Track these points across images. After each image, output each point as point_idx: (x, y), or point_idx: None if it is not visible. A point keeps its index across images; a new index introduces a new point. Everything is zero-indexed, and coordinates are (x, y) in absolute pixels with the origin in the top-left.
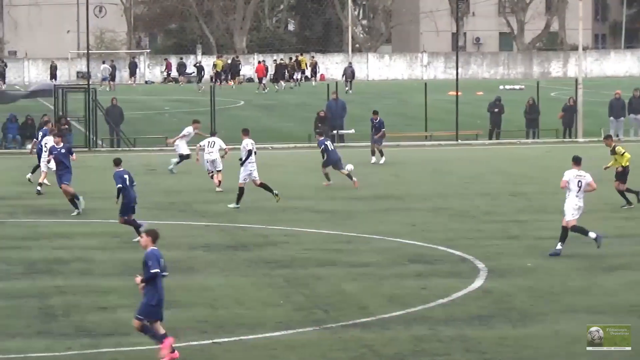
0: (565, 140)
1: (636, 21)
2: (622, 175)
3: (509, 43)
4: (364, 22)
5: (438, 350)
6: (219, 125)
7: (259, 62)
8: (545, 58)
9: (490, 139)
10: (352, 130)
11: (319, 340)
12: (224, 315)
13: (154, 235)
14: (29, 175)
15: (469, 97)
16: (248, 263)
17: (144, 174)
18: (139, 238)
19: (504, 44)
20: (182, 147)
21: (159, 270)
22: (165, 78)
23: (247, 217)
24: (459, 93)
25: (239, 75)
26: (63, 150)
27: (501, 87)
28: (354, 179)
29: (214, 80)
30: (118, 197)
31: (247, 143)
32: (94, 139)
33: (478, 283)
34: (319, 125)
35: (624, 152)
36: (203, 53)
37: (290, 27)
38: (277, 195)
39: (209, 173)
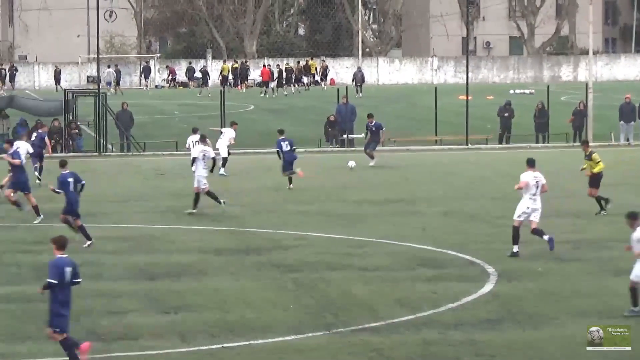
0: (575, 144)
1: None
2: (595, 181)
3: (519, 47)
4: (374, 26)
5: (448, 354)
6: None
7: (264, 66)
8: (555, 62)
9: (500, 143)
10: (362, 135)
11: (328, 344)
12: (234, 319)
13: (59, 243)
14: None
15: (479, 101)
16: (258, 267)
17: (154, 178)
18: (88, 243)
19: (514, 48)
20: (223, 150)
21: (54, 282)
22: (168, 84)
23: (258, 221)
24: (469, 97)
25: (247, 79)
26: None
27: (511, 91)
28: (298, 170)
29: (222, 84)
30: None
31: (196, 150)
32: (104, 143)
33: (488, 287)
34: (328, 129)
35: (599, 161)
36: (213, 57)
37: (301, 31)
38: (224, 203)
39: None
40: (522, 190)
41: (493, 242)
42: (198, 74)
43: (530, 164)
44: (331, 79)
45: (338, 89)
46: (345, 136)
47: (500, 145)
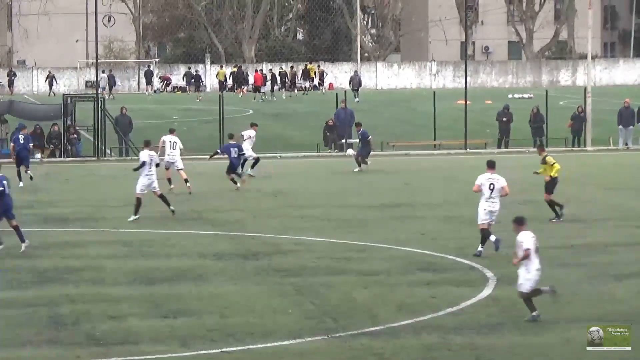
0: (574, 149)
1: None
2: (550, 186)
3: (518, 52)
4: (373, 31)
5: (448, 358)
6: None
7: (256, 71)
8: (554, 67)
9: (499, 147)
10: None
11: (328, 348)
12: (234, 323)
13: None
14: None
15: (478, 105)
16: (258, 271)
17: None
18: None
19: (513, 53)
20: (250, 152)
21: None
22: (163, 90)
23: (257, 225)
24: (468, 102)
25: (247, 84)
26: None
27: (510, 95)
28: (243, 178)
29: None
30: None
31: (144, 154)
32: (103, 148)
33: (487, 291)
34: (327, 133)
35: (554, 163)
36: (212, 62)
37: (299, 36)
38: (173, 211)
39: (167, 169)
40: (480, 193)
41: (492, 247)
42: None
43: (490, 165)
44: (330, 84)
45: (337, 94)
46: (343, 141)
47: (499, 150)
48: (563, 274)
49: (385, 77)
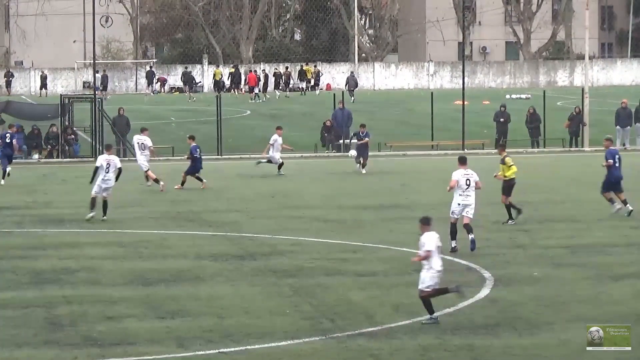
0: (571, 149)
1: None
2: (507, 188)
3: (515, 52)
4: (370, 31)
5: (445, 359)
6: (226, 135)
7: (250, 72)
8: (551, 67)
9: (496, 148)
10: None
11: (325, 349)
12: (231, 324)
13: None
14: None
15: (475, 106)
16: (255, 272)
17: (151, 183)
18: None
19: (511, 53)
20: (275, 156)
21: None
22: (160, 91)
23: (255, 226)
24: (466, 102)
25: (244, 85)
26: None
27: (507, 96)
28: (204, 180)
29: (218, 90)
30: None
31: (100, 159)
32: (101, 148)
33: (484, 292)
34: (325, 134)
35: (511, 165)
36: (209, 63)
37: (297, 36)
38: (104, 219)
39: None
40: (455, 189)
41: (490, 248)
42: (196, 79)
43: (462, 161)
44: (327, 84)
45: (334, 94)
46: (341, 141)
47: (497, 150)
48: (562, 274)
49: (383, 77)
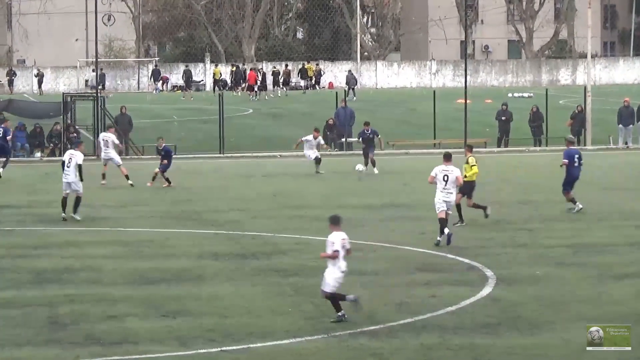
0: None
1: None
2: (467, 189)
3: (517, 51)
4: (373, 30)
5: (447, 358)
6: (228, 133)
7: (251, 70)
8: (554, 66)
9: (498, 146)
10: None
11: (327, 348)
12: (233, 323)
13: None
14: None
15: (478, 105)
16: (257, 272)
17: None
18: None
19: (513, 52)
20: (310, 154)
21: None
22: (162, 90)
23: (256, 225)
24: (468, 101)
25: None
26: None
27: (510, 94)
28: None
29: (215, 88)
30: None
31: (65, 155)
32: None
33: (486, 291)
34: (327, 132)
35: (473, 165)
36: (212, 61)
37: (299, 35)
38: (64, 218)
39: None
40: (436, 184)
41: (492, 247)
42: (198, 78)
43: (446, 157)
44: (330, 83)
45: (337, 92)
46: (343, 140)
47: (499, 149)
48: (562, 274)
49: (385, 76)
